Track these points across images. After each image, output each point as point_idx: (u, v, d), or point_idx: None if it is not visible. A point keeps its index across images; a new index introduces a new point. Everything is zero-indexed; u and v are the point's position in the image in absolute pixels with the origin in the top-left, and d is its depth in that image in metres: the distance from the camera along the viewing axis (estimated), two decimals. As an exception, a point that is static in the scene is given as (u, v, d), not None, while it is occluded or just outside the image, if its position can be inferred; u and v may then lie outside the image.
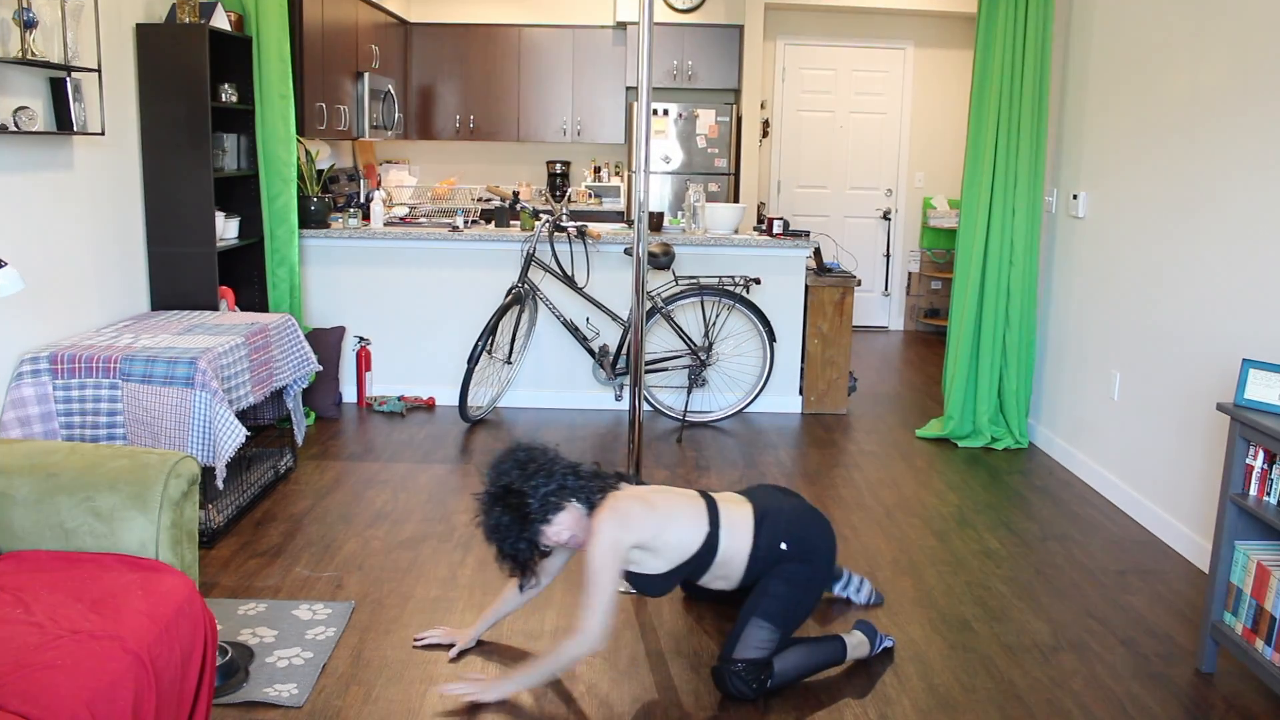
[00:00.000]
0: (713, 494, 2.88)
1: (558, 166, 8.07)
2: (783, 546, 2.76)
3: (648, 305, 5.26)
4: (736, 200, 7.60)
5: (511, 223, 5.78)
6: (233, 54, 4.73)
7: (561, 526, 2.65)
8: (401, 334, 5.55)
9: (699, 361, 5.38)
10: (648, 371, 5.45)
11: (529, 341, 5.53)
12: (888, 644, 3.00)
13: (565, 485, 2.66)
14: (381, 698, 2.68)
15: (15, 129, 3.39)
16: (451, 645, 2.94)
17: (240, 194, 4.90)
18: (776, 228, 5.55)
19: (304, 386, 4.57)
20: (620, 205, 7.84)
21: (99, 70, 3.77)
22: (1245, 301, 3.47)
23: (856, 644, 2.90)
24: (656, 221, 5.59)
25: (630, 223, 6.62)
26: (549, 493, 2.63)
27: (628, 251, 5.39)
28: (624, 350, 5.34)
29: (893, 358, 7.28)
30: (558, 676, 2.69)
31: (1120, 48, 4.41)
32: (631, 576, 2.76)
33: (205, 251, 4.47)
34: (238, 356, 3.82)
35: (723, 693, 2.72)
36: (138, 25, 4.29)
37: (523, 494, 2.62)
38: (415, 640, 2.97)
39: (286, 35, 4.76)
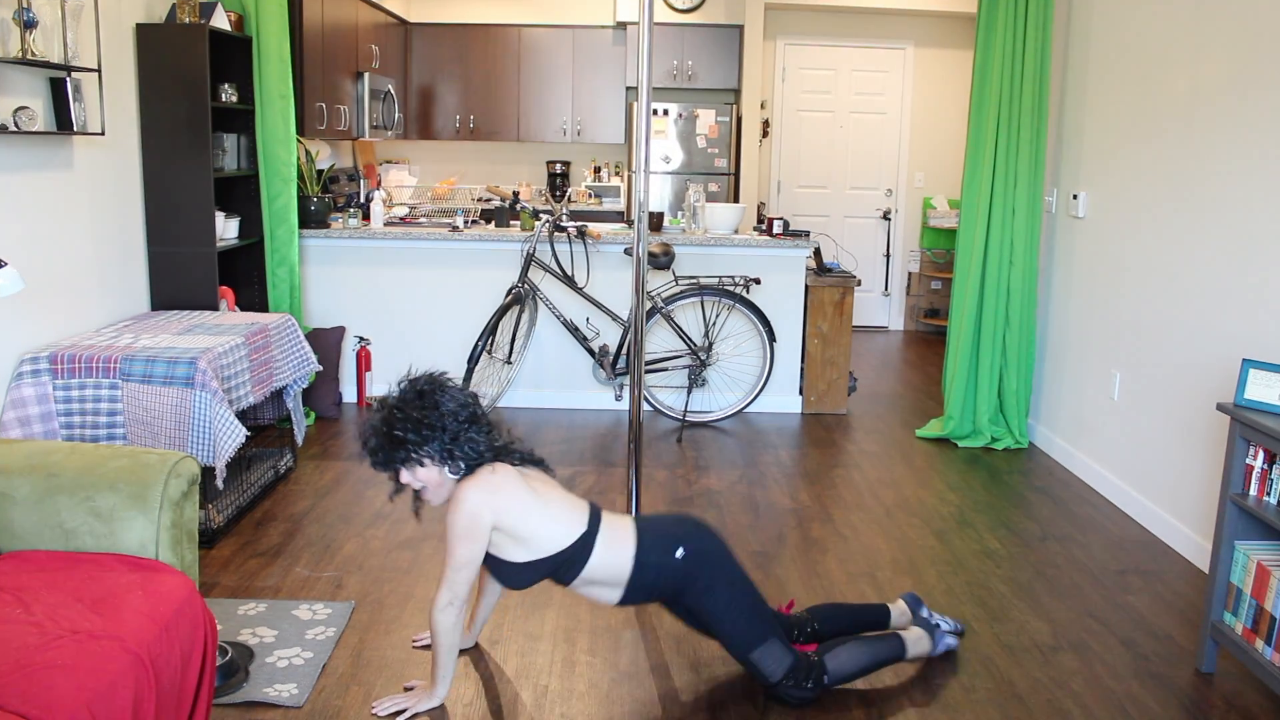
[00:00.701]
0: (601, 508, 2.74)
1: (558, 166, 8.07)
2: (678, 554, 2.60)
3: (648, 305, 5.26)
4: (736, 200, 7.60)
5: (511, 223, 5.78)
6: (233, 54, 4.73)
7: (417, 479, 2.54)
8: (402, 334, 5.55)
9: (699, 361, 5.38)
10: (648, 371, 5.45)
11: (529, 341, 5.53)
12: (950, 644, 2.94)
13: (435, 451, 2.50)
14: (382, 698, 2.67)
15: (15, 129, 3.39)
16: None
17: (240, 194, 4.90)
18: (776, 228, 5.55)
19: (304, 386, 4.57)
20: (620, 205, 7.84)
21: (99, 70, 3.77)
22: (1245, 301, 3.47)
23: (916, 639, 2.86)
24: (656, 221, 5.59)
25: (630, 223, 6.62)
26: (416, 445, 2.49)
27: (628, 251, 5.39)
28: (624, 350, 5.34)
29: (893, 358, 7.29)
30: (456, 650, 2.61)
31: (1120, 47, 4.41)
32: (490, 561, 2.59)
33: (205, 251, 4.47)
34: (238, 356, 3.82)
35: (792, 708, 2.69)
36: (138, 25, 4.29)
37: (393, 435, 2.49)
38: (414, 641, 2.97)
39: (286, 35, 4.76)
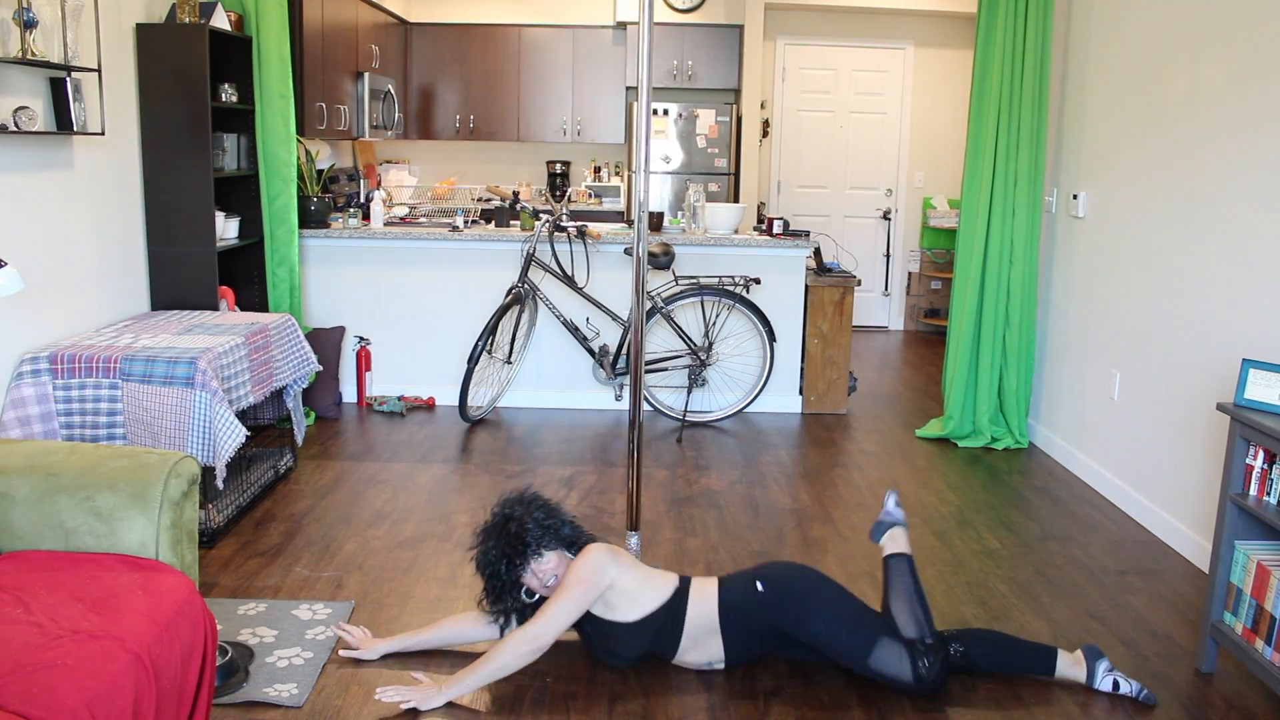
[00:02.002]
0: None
1: (558, 166, 8.07)
2: (759, 587, 2.77)
3: (648, 305, 5.26)
4: (736, 200, 7.60)
5: (511, 223, 5.78)
6: (233, 54, 4.73)
7: (544, 571, 2.73)
8: (401, 334, 5.55)
9: (699, 361, 5.38)
10: (648, 371, 5.45)
11: (529, 341, 5.53)
12: (1128, 688, 2.75)
13: (560, 531, 2.78)
14: (386, 686, 2.67)
15: (15, 129, 3.39)
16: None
17: (240, 194, 4.90)
18: (776, 228, 5.55)
19: (304, 386, 4.57)
20: (620, 205, 7.84)
21: (99, 70, 3.77)
22: (1245, 301, 3.47)
23: (1071, 662, 2.79)
24: (656, 221, 5.59)
25: (630, 223, 6.62)
26: (546, 524, 2.75)
27: (628, 251, 5.39)
28: (624, 350, 5.34)
29: (893, 358, 7.29)
30: (500, 678, 2.66)
31: (1120, 47, 4.41)
32: (604, 628, 2.76)
33: (205, 251, 4.47)
34: (238, 356, 3.82)
35: (941, 692, 2.73)
36: (138, 25, 4.29)
37: (523, 523, 2.73)
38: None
39: (286, 35, 4.76)
